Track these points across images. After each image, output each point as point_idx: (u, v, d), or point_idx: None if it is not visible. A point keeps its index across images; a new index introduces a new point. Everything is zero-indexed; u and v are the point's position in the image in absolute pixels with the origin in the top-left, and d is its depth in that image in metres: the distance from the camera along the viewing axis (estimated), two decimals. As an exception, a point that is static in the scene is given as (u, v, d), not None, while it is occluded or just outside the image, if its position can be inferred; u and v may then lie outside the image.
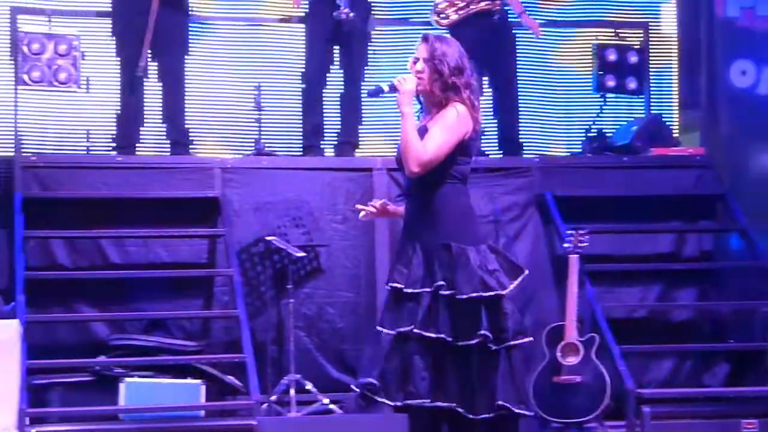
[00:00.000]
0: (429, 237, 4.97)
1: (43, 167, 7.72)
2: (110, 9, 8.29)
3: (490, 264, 4.96)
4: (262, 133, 8.39)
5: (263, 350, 7.41)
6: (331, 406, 7.22)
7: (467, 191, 5.09)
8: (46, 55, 8.05)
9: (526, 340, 5.01)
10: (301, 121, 8.50)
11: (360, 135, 8.54)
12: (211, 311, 7.69)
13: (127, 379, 7.06)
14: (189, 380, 7.18)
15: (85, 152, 8.35)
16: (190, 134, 8.33)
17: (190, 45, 8.32)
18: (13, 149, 7.94)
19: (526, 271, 5.08)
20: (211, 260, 7.83)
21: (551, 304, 7.89)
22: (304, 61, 8.44)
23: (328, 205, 7.96)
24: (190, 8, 8.27)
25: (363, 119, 8.51)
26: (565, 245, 7.43)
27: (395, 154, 5.16)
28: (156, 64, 8.11)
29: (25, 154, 7.85)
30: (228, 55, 8.77)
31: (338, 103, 8.43)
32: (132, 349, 7.35)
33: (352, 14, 8.03)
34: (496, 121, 8.60)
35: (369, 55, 8.53)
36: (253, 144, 8.41)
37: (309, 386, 7.29)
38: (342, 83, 8.37)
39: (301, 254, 7.57)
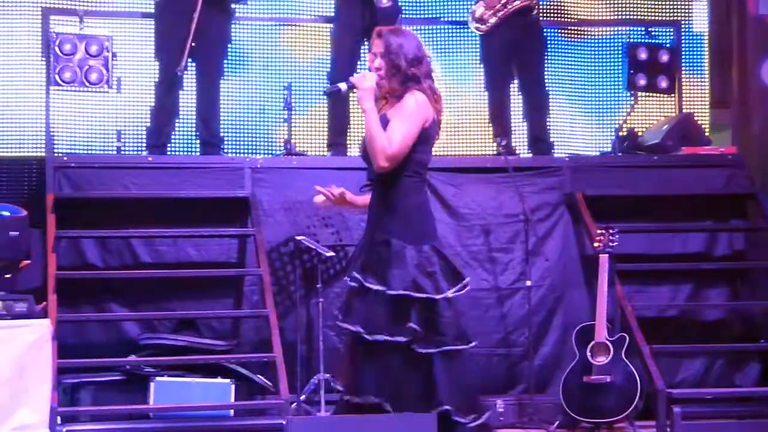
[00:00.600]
0: (377, 231, 4.94)
1: (74, 167, 7.75)
2: (143, 10, 8.33)
3: (429, 266, 4.90)
4: (291, 132, 8.40)
5: (292, 350, 7.42)
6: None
7: (424, 187, 5.04)
8: (77, 55, 8.11)
9: (466, 346, 4.94)
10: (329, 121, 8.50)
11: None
12: (240, 311, 7.71)
13: (158, 378, 7.09)
14: (219, 379, 7.20)
15: (116, 152, 8.39)
16: (221, 135, 8.35)
17: (236, 46, 8.36)
18: (45, 149, 7.98)
19: (468, 278, 5.02)
20: (241, 260, 7.84)
21: (581, 303, 7.87)
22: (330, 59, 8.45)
23: (358, 205, 7.96)
24: (234, 9, 8.28)
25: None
26: (596, 244, 7.41)
27: (360, 147, 5.13)
28: (195, 64, 8.13)
29: (56, 155, 7.88)
30: (258, 54, 8.79)
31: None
32: (162, 349, 7.37)
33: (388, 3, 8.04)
34: (526, 120, 8.59)
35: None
36: (282, 144, 8.43)
37: (338, 386, 7.27)
38: None
39: (331, 254, 7.58)
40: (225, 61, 8.25)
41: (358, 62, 8.30)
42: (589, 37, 9.25)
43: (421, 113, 4.92)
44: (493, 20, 8.37)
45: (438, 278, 4.90)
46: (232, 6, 8.20)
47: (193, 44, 7.86)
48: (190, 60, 7.98)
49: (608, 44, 9.23)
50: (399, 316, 4.85)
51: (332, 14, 8.53)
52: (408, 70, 4.93)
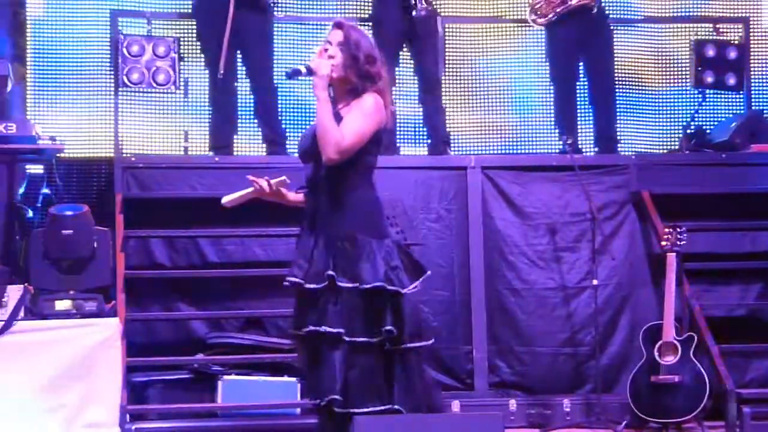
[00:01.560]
0: (334, 229, 4.80)
1: (142, 168, 7.82)
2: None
3: (392, 260, 4.81)
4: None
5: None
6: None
7: (375, 184, 4.95)
8: (145, 57, 8.18)
9: (422, 343, 4.83)
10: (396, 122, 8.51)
11: (453, 133, 8.55)
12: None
13: (225, 377, 7.14)
14: (285, 378, 7.24)
15: (183, 153, 8.47)
16: (286, 134, 8.39)
17: (281, 45, 8.37)
18: (114, 150, 8.07)
19: (429, 272, 4.94)
20: (308, 259, 7.86)
21: (648, 302, 7.80)
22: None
23: (422, 203, 7.96)
24: (275, 8, 8.30)
25: (452, 117, 8.51)
26: (663, 243, 7.35)
27: (298, 146, 4.97)
28: (243, 65, 8.17)
29: (125, 155, 7.96)
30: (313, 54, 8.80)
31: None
32: (229, 347, 7.43)
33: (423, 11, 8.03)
34: (592, 118, 8.54)
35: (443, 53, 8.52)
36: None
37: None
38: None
39: (396, 253, 7.57)
40: (273, 60, 8.25)
41: (397, 68, 8.28)
42: (656, 33, 9.18)
43: (379, 115, 4.83)
44: (551, 14, 8.33)
45: (400, 272, 4.82)
46: (270, 3, 8.22)
47: (232, 46, 7.89)
48: (239, 62, 8.04)
49: (676, 41, 9.15)
50: (375, 313, 4.76)
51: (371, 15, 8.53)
52: (364, 65, 4.83)
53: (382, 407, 4.74)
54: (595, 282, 7.57)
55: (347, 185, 4.83)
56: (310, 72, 4.80)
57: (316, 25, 8.79)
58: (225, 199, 5.07)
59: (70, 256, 6.99)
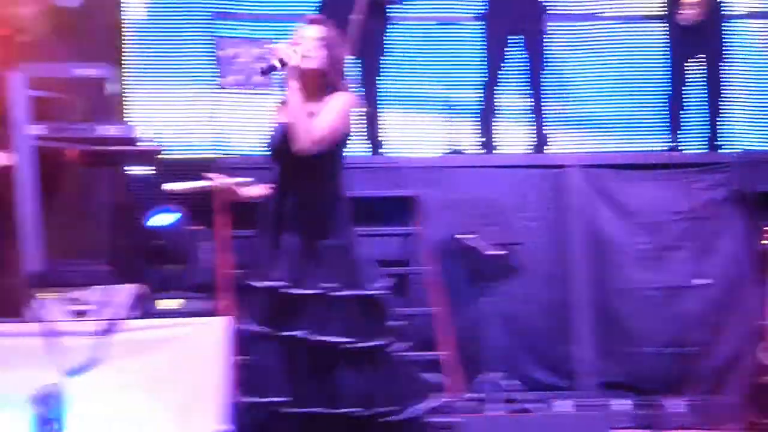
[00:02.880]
0: (314, 233, 4.70)
1: (242, 168, 7.85)
2: (304, 13, 8.41)
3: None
4: (454, 132, 8.42)
5: (461, 348, 7.43)
6: (532, 405, 7.20)
7: (344, 183, 4.81)
8: (243, 58, 8.24)
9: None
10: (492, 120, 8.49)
11: (551, 132, 8.52)
12: (407, 309, 7.73)
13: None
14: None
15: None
16: (386, 134, 8.41)
17: (385, 46, 8.40)
18: (213, 151, 8.14)
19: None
20: (406, 258, 7.88)
21: (752, 301, 7.70)
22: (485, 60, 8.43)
23: (521, 202, 7.94)
24: (390, 13, 8.34)
25: (549, 116, 8.48)
26: (764, 242, 7.25)
27: (269, 143, 4.81)
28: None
29: (224, 156, 8.02)
30: (420, 54, 8.82)
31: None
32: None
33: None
34: (697, 116, 8.45)
35: (547, 51, 8.47)
36: (446, 143, 8.45)
37: (508, 384, 7.27)
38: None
39: (495, 252, 7.56)
40: (381, 61, 8.28)
41: (506, 60, 8.26)
42: (760, 29, 9.06)
43: (350, 114, 4.78)
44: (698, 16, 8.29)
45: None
46: (387, 8, 8.25)
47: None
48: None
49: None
50: (376, 317, 4.73)
51: (485, 12, 8.51)
52: (340, 64, 4.79)
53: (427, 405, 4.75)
54: (699, 281, 7.49)
55: (322, 186, 4.74)
56: (284, 63, 4.67)
57: (424, 25, 8.81)
58: (168, 186, 5.00)
59: (175, 256, 7.06)
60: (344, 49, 4.88)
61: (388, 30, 8.37)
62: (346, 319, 4.67)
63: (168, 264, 7.07)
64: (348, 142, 4.84)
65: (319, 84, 4.74)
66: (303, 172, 4.72)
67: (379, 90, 8.35)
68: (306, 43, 4.74)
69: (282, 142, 4.74)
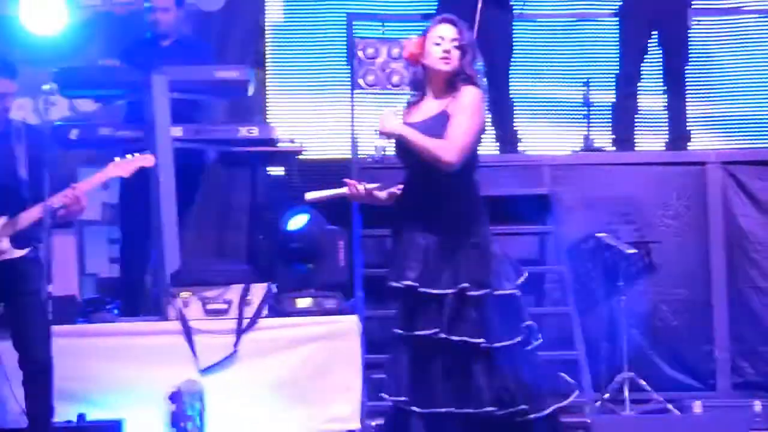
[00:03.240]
0: (449, 232, 4.74)
1: (378, 168, 7.93)
2: (433, 13, 8.45)
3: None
4: (591, 128, 8.34)
5: (595, 348, 7.36)
6: (668, 405, 7.10)
7: (478, 182, 4.87)
8: (380, 59, 8.29)
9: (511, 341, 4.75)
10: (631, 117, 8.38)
11: (692, 128, 8.37)
12: (541, 308, 7.71)
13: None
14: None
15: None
16: (518, 132, 8.38)
17: (516, 43, 8.37)
18: (350, 151, 8.23)
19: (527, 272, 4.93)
20: (541, 257, 7.85)
21: None
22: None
23: (659, 200, 7.82)
24: (514, 7, 8.30)
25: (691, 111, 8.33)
26: None
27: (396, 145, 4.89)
28: (482, 65, 8.18)
29: (361, 156, 8.11)
30: (554, 51, 8.77)
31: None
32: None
33: None
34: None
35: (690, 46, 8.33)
36: (582, 140, 8.38)
37: (643, 384, 7.19)
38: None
39: (632, 251, 7.47)
40: (510, 60, 8.24)
41: (645, 56, 8.13)
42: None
43: (483, 108, 4.83)
44: None
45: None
46: (511, 3, 8.20)
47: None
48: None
49: None
50: (512, 317, 4.76)
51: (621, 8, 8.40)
52: (473, 65, 4.85)
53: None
54: None
55: (455, 184, 4.78)
56: (387, 135, 4.84)
57: (558, 22, 8.76)
58: (309, 195, 5.11)
59: (308, 255, 7.17)
60: (476, 50, 4.92)
61: (515, 27, 8.31)
62: (481, 318, 4.71)
63: (303, 263, 7.17)
64: (481, 139, 4.89)
65: (444, 82, 4.84)
66: (436, 172, 4.77)
67: (510, 88, 8.30)
68: (444, 44, 4.81)
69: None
